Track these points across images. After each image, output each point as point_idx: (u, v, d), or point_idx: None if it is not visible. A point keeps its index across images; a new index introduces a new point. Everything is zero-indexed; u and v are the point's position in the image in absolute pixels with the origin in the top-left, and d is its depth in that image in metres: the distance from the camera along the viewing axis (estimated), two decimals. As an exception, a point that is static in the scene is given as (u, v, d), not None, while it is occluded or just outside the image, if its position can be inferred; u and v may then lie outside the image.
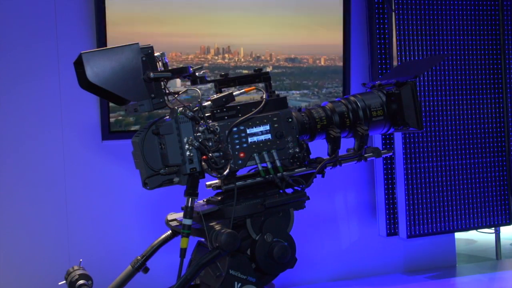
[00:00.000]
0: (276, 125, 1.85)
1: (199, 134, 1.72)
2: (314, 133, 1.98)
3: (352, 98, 2.06)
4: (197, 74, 1.81)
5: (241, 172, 1.91)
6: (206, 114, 1.79)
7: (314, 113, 1.98)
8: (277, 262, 1.79)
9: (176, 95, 1.77)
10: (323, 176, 1.97)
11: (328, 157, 1.97)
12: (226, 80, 1.89)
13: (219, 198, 1.85)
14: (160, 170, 1.71)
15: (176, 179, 1.74)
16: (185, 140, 1.69)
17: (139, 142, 1.72)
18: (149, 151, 1.72)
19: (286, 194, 1.88)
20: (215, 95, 1.83)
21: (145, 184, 1.74)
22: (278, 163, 1.83)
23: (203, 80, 1.83)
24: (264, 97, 1.86)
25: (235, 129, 1.79)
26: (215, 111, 1.80)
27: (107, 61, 1.64)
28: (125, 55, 1.66)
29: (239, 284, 1.79)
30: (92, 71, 1.62)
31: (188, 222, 1.72)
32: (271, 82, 1.94)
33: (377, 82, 2.16)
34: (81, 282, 1.92)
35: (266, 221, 1.82)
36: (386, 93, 2.07)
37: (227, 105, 1.82)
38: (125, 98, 1.70)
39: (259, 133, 1.84)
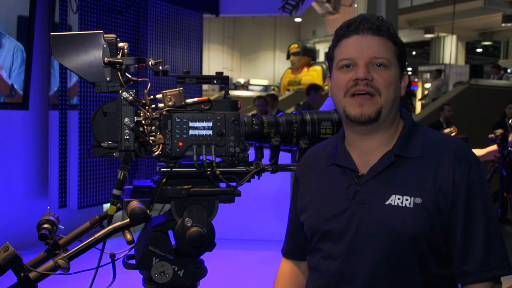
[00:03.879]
0: (218, 124, 2.02)
1: (140, 118, 1.96)
2: (261, 139, 2.12)
3: (308, 112, 2.16)
4: (160, 67, 2.04)
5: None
6: (169, 104, 2.01)
7: (264, 120, 2.12)
8: (192, 245, 1.98)
9: (131, 82, 2.02)
10: (259, 178, 2.11)
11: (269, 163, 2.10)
12: (186, 76, 2.10)
13: (156, 179, 2.08)
14: (103, 143, 1.98)
15: (116, 154, 1.99)
16: (124, 121, 1.94)
17: (91, 117, 2.00)
18: (97, 125, 1.99)
19: (216, 187, 2.05)
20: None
21: (89, 152, 2.02)
22: (212, 158, 2.01)
23: (165, 73, 2.06)
24: None
25: (177, 119, 2.00)
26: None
27: (72, 44, 1.93)
28: (89, 41, 1.94)
29: (157, 260, 2.01)
30: (58, 51, 1.92)
31: (117, 192, 1.97)
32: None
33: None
34: (45, 225, 2.24)
35: (188, 207, 2.01)
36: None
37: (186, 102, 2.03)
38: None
39: (201, 127, 2.02)
